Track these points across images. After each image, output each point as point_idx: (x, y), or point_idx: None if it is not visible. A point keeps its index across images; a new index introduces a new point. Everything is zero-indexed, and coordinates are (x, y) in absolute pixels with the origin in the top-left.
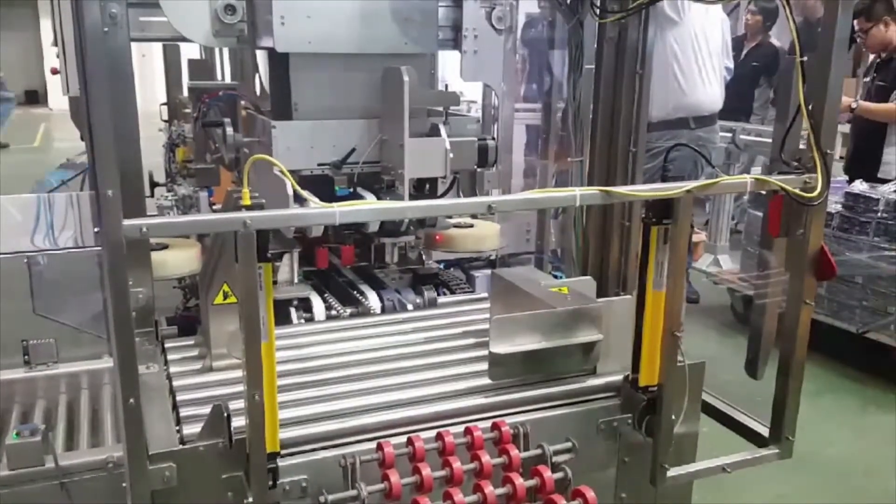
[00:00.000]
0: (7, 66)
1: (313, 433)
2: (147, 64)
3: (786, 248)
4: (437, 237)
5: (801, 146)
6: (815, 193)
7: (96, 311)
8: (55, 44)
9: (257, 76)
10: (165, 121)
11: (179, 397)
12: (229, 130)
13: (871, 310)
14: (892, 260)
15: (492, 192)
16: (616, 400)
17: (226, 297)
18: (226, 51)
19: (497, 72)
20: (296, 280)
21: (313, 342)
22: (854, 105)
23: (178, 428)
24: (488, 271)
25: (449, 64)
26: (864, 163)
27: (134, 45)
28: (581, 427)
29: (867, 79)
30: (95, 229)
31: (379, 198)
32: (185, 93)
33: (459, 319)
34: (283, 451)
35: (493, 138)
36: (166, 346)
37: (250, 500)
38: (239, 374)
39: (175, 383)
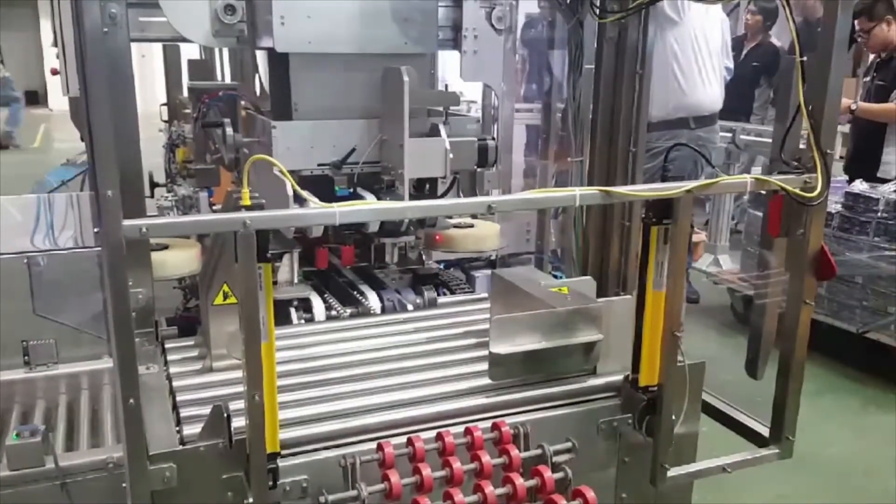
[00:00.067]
0: (7, 66)
1: (313, 433)
2: (147, 64)
3: (786, 248)
4: (438, 237)
5: (801, 146)
6: (815, 193)
7: (96, 312)
8: (55, 44)
9: (257, 76)
10: (165, 121)
11: (179, 398)
12: (229, 131)
13: (872, 310)
14: (893, 260)
15: (492, 192)
16: (616, 400)
17: (226, 297)
18: (226, 51)
19: (497, 72)
20: (296, 280)
21: (313, 342)
22: (854, 107)
23: (178, 428)
24: (488, 271)
25: (449, 64)
26: (863, 162)
27: (134, 45)
28: (581, 427)
29: (867, 78)
30: (95, 229)
31: (379, 198)
32: (185, 93)
33: (460, 319)
34: (284, 452)
35: (493, 138)
36: (166, 346)
37: (250, 500)
38: (239, 374)
39: (175, 384)
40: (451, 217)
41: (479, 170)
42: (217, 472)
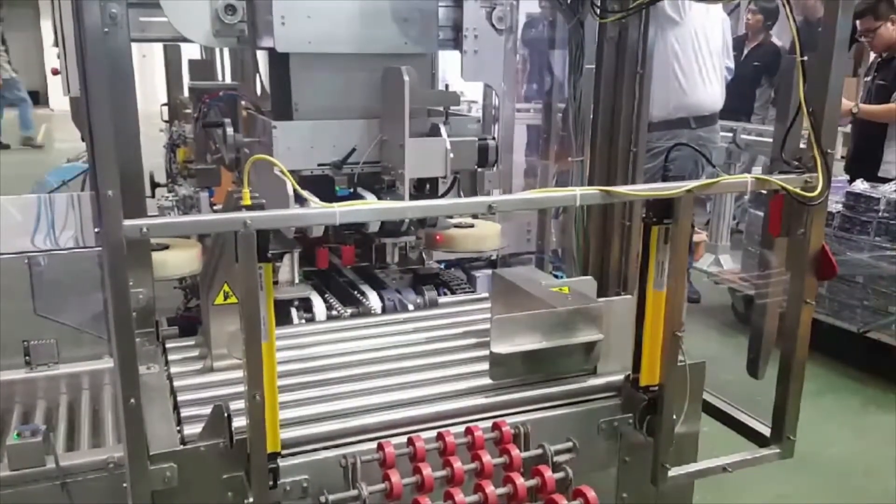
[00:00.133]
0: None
1: (314, 433)
2: (147, 64)
3: (787, 247)
4: (438, 237)
5: (802, 146)
6: (816, 193)
7: (97, 312)
8: (56, 44)
9: (258, 76)
10: (166, 121)
11: (180, 398)
12: (230, 131)
13: (872, 309)
14: (893, 259)
15: (492, 192)
16: (617, 400)
17: (226, 297)
18: (226, 51)
19: (497, 72)
20: (296, 280)
21: (314, 342)
22: (856, 109)
23: (178, 428)
24: (489, 271)
25: (449, 64)
26: (864, 162)
27: (134, 45)
28: (582, 427)
29: (868, 78)
30: (96, 229)
31: (379, 198)
32: (186, 93)
33: (460, 319)
34: (284, 451)
35: (494, 138)
36: (167, 346)
37: (251, 500)
38: (240, 374)
39: (176, 384)
40: (451, 217)
41: (479, 170)
42: (218, 472)
